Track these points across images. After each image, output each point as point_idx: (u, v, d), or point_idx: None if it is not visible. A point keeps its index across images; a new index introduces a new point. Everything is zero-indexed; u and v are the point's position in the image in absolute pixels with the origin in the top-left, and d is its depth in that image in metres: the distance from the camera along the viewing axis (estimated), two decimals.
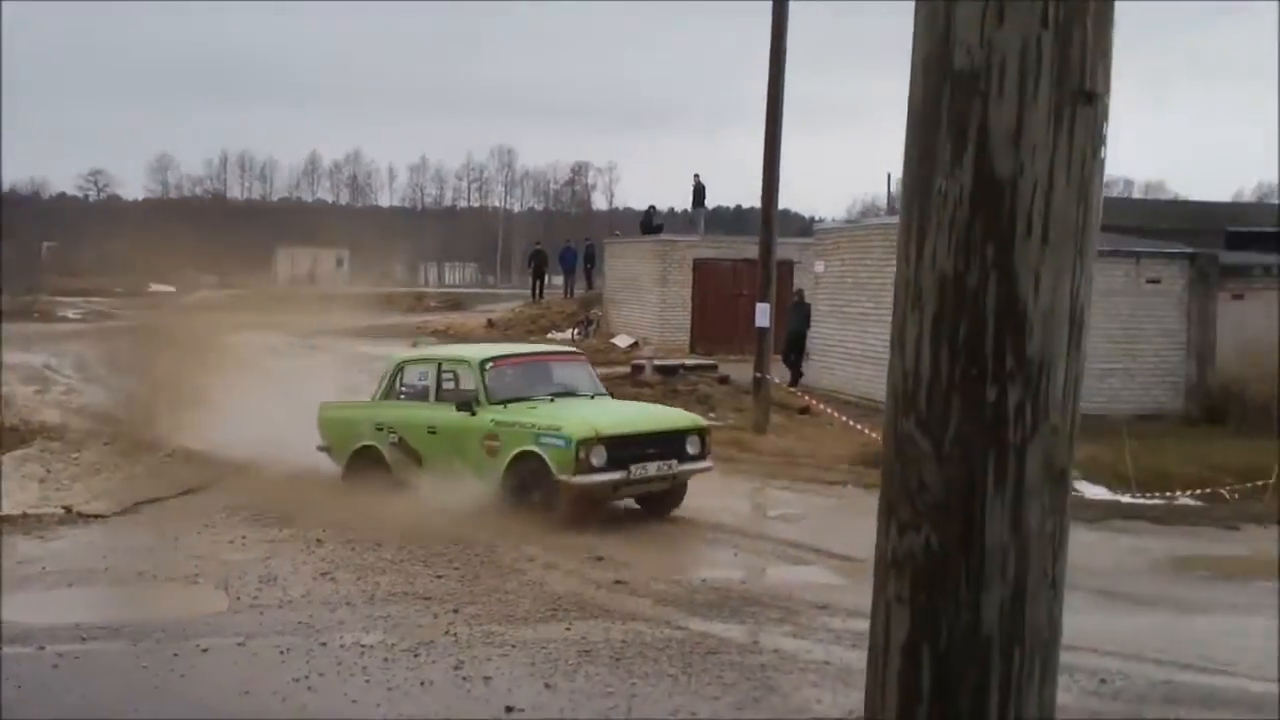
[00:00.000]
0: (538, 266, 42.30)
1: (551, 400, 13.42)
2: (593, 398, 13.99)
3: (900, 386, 2.02)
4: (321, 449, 14.66)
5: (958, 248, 1.96)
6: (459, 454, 13.08)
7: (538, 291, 41.64)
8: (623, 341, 31.18)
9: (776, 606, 9.86)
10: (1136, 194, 79.57)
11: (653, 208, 40.32)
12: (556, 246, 44.50)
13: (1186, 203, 43.14)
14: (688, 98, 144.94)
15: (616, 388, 20.90)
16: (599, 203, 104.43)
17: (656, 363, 24.05)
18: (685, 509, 13.23)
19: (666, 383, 22.22)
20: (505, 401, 13.22)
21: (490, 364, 13.68)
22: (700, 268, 31.55)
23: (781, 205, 20.29)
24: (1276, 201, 63.34)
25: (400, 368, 14.56)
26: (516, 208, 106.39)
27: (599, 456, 12.36)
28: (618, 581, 10.30)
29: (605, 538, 11.44)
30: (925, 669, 1.95)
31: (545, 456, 12.38)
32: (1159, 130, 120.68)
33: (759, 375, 19.36)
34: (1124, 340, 21.60)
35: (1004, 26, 1.93)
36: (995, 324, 1.94)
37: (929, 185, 1.99)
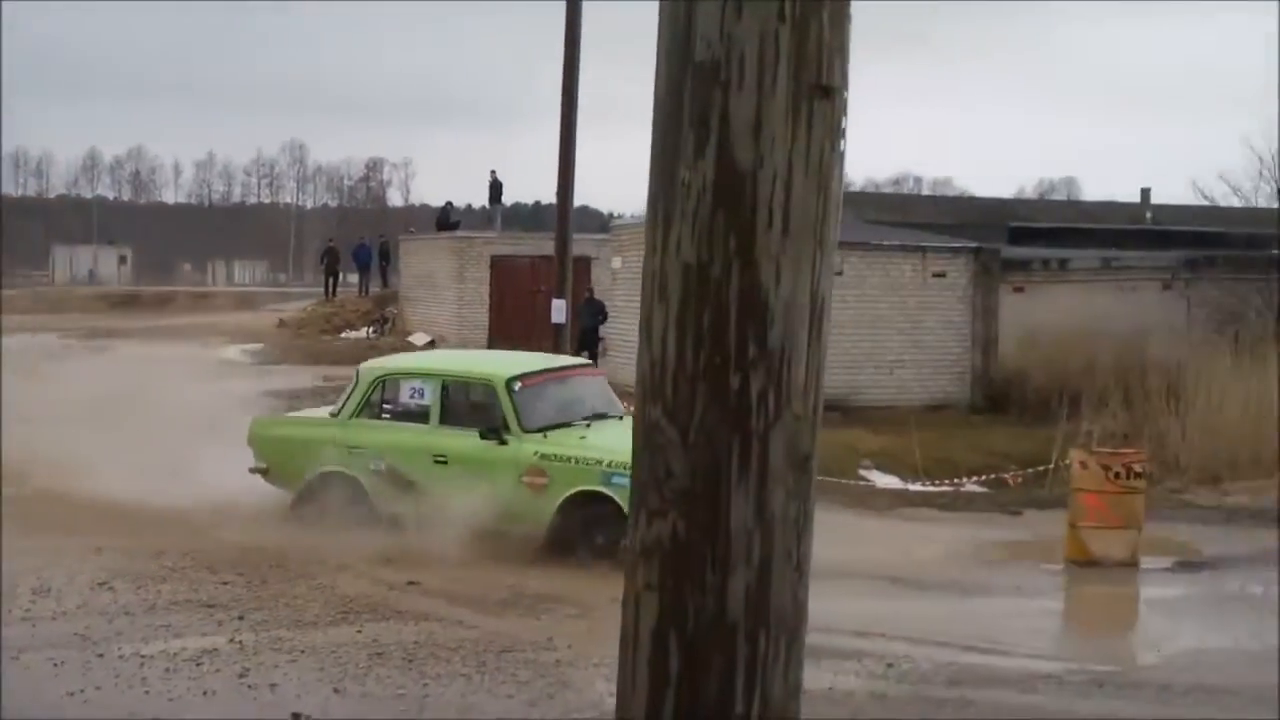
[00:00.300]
0: (330, 264, 41.60)
1: (589, 425, 11.79)
2: (621, 419, 12.15)
3: (648, 376, 2.04)
4: (256, 471, 12.50)
5: (701, 238, 1.99)
6: (483, 490, 11.10)
7: (331, 289, 40.97)
8: (419, 340, 30.86)
9: (571, 603, 9.89)
10: (925, 190, 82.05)
11: (450, 204, 40.06)
12: (351, 244, 43.89)
13: (972, 199, 44.68)
14: (485, 93, 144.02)
15: None
16: (395, 199, 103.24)
17: None
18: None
19: None
20: (544, 429, 11.55)
21: (518, 383, 11.80)
22: (498, 264, 31.44)
23: (580, 201, 20.44)
24: (1057, 198, 66.01)
25: (379, 382, 12.32)
26: (309, 204, 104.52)
27: None
28: (410, 582, 10.19)
29: (397, 539, 11.28)
30: (673, 654, 1.98)
31: (618, 499, 10.73)
32: (947, 128, 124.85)
33: None
34: (912, 332, 22.26)
35: (742, 20, 1.97)
36: (738, 313, 1.97)
37: (674, 176, 2.02)
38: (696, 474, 1.98)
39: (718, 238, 1.98)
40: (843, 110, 2.05)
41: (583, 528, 11.07)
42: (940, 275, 22.73)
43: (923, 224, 27.02)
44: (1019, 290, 23.28)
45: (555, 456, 11.30)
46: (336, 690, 7.54)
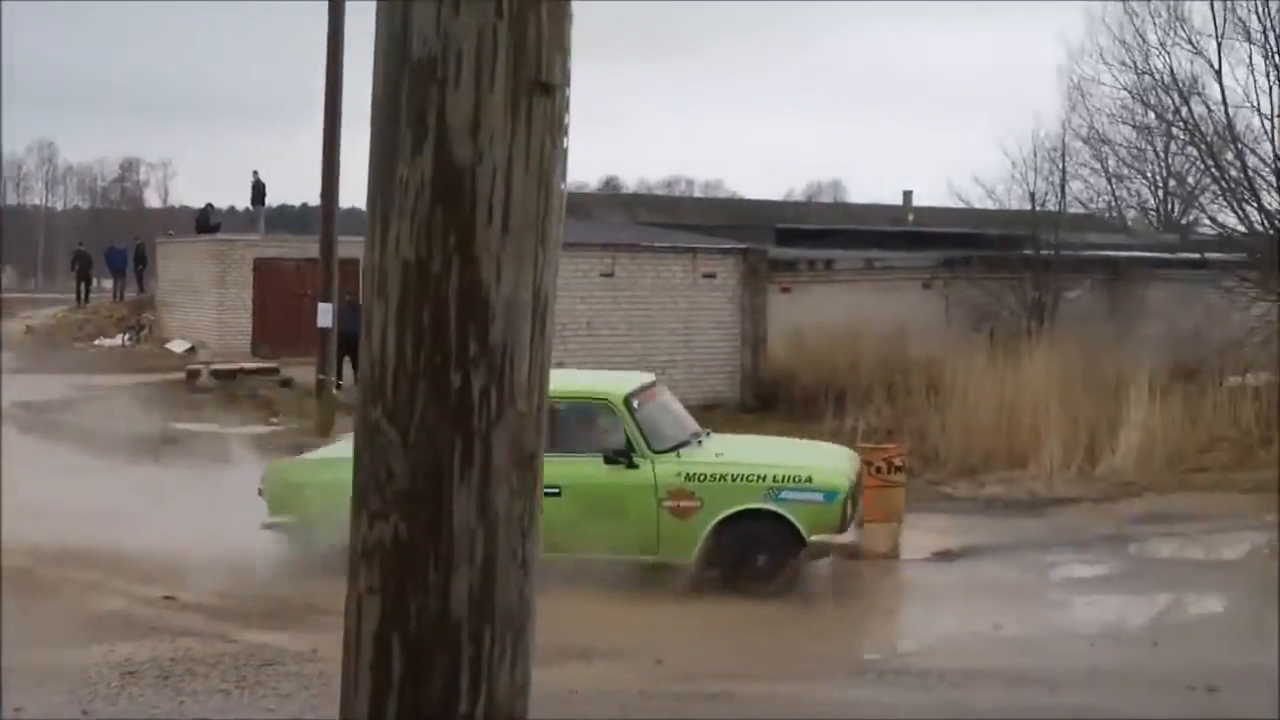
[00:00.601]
0: (82, 269, 40.18)
1: (699, 443, 11.19)
2: (709, 434, 11.91)
3: (368, 376, 2.01)
4: (273, 527, 10.98)
5: (420, 235, 1.96)
6: (612, 521, 10.42)
7: (83, 295, 39.51)
8: (178, 346, 29.93)
9: (337, 612, 9.66)
10: (697, 192, 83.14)
11: (210, 206, 38.99)
12: (105, 247, 42.42)
13: (741, 201, 45.51)
14: (249, 90, 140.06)
15: (171, 394, 20.14)
16: (152, 201, 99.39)
17: (214, 367, 23.37)
18: (244, 516, 12.54)
19: (225, 388, 21.62)
20: (672, 448, 10.83)
21: (636, 400, 10.96)
22: (261, 268, 30.60)
23: (347, 203, 20.12)
24: (824, 200, 67.72)
25: None
26: (59, 206, 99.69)
27: (849, 510, 10.62)
28: (167, 597, 9.87)
29: (154, 551, 10.90)
30: (396, 656, 1.95)
31: (789, 515, 10.28)
32: (720, 131, 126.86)
33: (321, 377, 19.09)
34: (683, 333, 22.55)
35: (459, 17, 1.95)
36: (458, 311, 1.95)
37: (392, 173, 1.99)
38: (418, 474, 1.95)
39: (436, 234, 1.96)
40: (564, 107, 2.06)
41: (741, 551, 10.48)
42: (710, 276, 23.09)
43: (694, 226, 27.42)
44: (786, 290, 23.80)
45: (705, 476, 10.59)
46: (85, 712, 7.28)
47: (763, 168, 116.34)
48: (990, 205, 30.42)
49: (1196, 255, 23.91)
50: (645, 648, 9.27)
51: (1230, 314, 21.57)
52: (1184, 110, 22.04)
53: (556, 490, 10.21)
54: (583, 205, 33.59)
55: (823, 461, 11.25)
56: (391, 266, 1.98)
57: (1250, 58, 21.17)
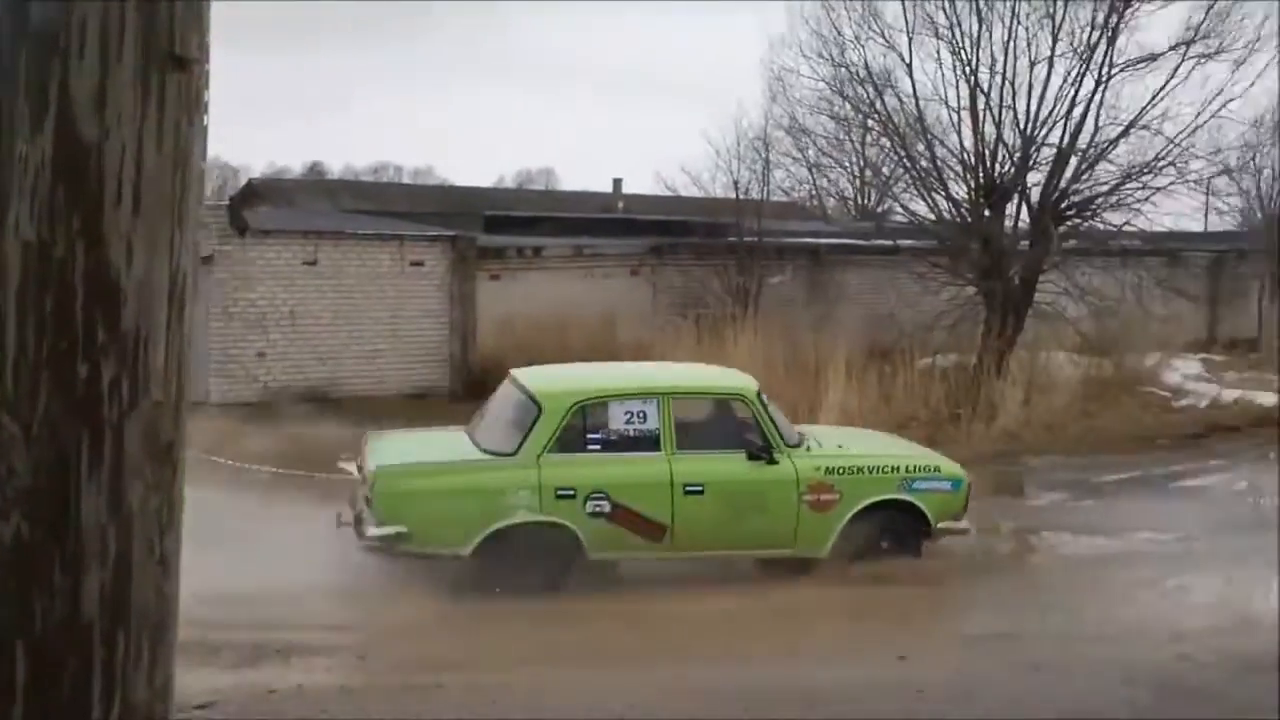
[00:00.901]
0: None
1: (815, 438, 11.49)
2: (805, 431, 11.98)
3: None
4: (382, 539, 10.31)
5: (42, 215, 1.85)
6: (755, 517, 10.59)
7: None
8: None
9: None
10: (405, 179, 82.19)
11: None
12: None
13: (450, 187, 45.20)
14: None
15: None
16: None
17: None
18: None
19: None
20: (801, 442, 11.07)
21: (763, 395, 11.08)
22: None
23: None
24: (535, 187, 67.99)
25: (577, 408, 10.57)
26: None
27: (969, 498, 11.16)
28: None
29: None
30: (20, 663, 1.84)
31: (921, 504, 10.82)
32: (430, 118, 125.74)
33: None
34: (390, 322, 22.27)
35: None
36: (85, 296, 1.85)
37: (11, 151, 1.87)
38: (40, 470, 1.84)
39: (60, 215, 1.85)
40: (204, 84, 1.97)
41: (873, 538, 10.86)
42: (418, 264, 22.87)
43: (402, 213, 27.09)
44: (495, 278, 23.76)
45: (844, 469, 10.86)
46: None
47: (473, 155, 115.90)
48: (697, 193, 31.11)
49: (890, 242, 24.96)
50: (348, 644, 9.12)
51: (922, 298, 22.60)
52: (878, 103, 22.89)
53: (700, 488, 10.42)
54: (285, 191, 32.81)
55: (922, 451, 11.93)
56: (11, 250, 1.87)
57: (939, 53, 22.16)
